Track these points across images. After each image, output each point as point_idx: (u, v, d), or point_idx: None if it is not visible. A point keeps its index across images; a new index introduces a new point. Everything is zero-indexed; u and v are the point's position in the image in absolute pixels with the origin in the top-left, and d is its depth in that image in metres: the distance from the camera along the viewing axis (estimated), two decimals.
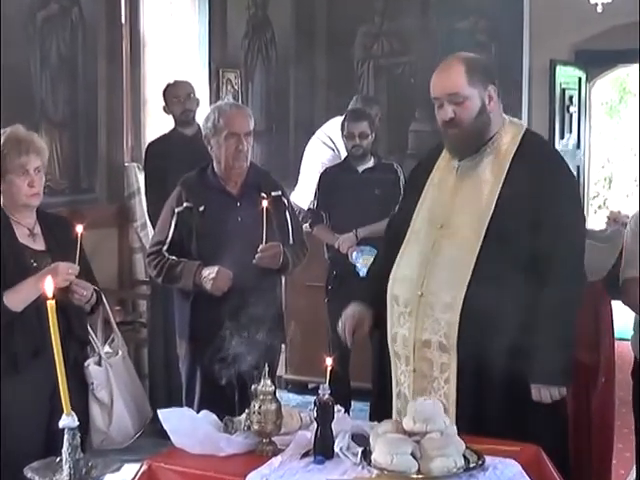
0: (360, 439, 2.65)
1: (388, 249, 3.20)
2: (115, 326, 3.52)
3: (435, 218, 3.05)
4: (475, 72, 3.00)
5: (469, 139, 3.03)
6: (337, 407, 2.70)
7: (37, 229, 3.29)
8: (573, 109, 8.01)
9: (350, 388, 5.21)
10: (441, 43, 7.53)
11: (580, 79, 8.06)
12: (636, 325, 3.47)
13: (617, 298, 3.50)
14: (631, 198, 10.56)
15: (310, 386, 5.95)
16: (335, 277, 5.24)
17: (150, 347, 5.62)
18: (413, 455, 2.49)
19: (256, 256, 3.76)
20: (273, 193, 3.96)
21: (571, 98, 7.98)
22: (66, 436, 1.95)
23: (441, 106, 3.02)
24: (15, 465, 2.34)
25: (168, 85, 5.55)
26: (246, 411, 2.76)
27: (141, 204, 5.89)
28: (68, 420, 1.93)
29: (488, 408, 2.90)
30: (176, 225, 3.87)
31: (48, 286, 1.94)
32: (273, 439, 2.70)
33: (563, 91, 7.83)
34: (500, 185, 2.97)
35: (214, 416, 2.85)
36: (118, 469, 2.10)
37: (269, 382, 2.71)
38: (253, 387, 2.74)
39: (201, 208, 3.86)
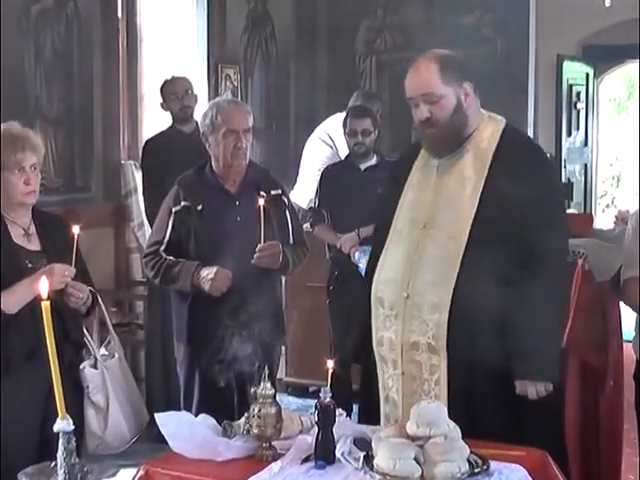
0: (362, 443, 2.65)
1: (377, 251, 3.21)
2: (111, 328, 3.52)
3: (417, 218, 3.07)
4: (449, 70, 3.01)
5: (447, 138, 3.04)
6: (338, 411, 2.70)
7: (32, 229, 3.29)
8: (580, 106, 8.01)
9: (352, 391, 5.21)
10: (446, 38, 7.53)
11: (588, 75, 8.06)
12: (637, 326, 3.48)
13: (622, 299, 3.51)
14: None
15: (311, 389, 5.95)
16: (337, 278, 5.24)
17: (147, 349, 5.62)
18: (416, 460, 2.49)
19: (254, 256, 3.76)
20: (273, 192, 3.96)
21: (578, 94, 7.98)
22: (61, 440, 1.95)
23: (416, 106, 3.04)
24: (9, 470, 2.34)
25: (165, 81, 5.55)
26: (245, 415, 2.76)
27: (138, 203, 5.90)
28: (63, 424, 1.93)
29: (481, 408, 2.90)
30: (174, 225, 3.87)
31: (43, 287, 1.94)
32: (273, 443, 2.70)
33: (570, 87, 7.83)
34: (482, 182, 2.99)
35: (213, 420, 2.85)
36: (114, 474, 2.11)
37: (269, 385, 2.71)
38: (252, 390, 2.74)
39: (199, 207, 3.86)
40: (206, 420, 2.84)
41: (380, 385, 3.12)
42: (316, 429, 2.62)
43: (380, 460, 2.50)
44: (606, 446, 3.58)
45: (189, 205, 3.87)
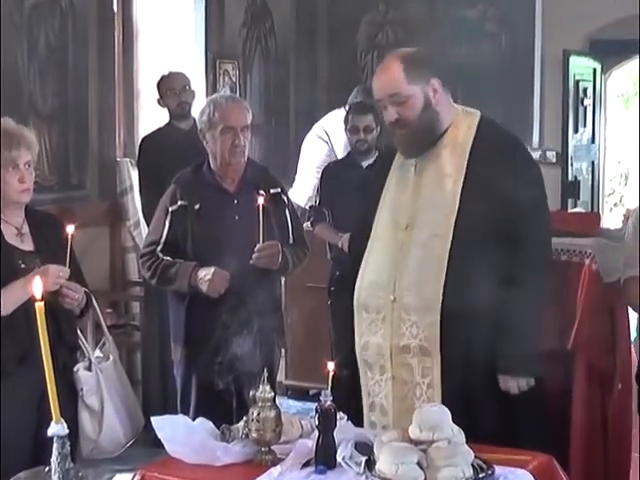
0: (364, 448, 2.65)
1: (359, 257, 3.21)
2: (106, 329, 3.52)
3: (399, 219, 3.08)
4: (414, 68, 3.03)
5: (418, 137, 3.06)
6: (339, 414, 2.70)
7: (25, 228, 3.28)
8: (587, 102, 7.99)
9: None
10: (449, 32, 7.53)
11: (595, 70, 8.05)
12: (638, 326, 3.48)
13: (622, 298, 3.52)
14: None
15: (311, 392, 5.95)
16: (338, 278, 5.24)
17: (143, 351, 5.63)
18: (419, 465, 2.49)
19: (253, 256, 3.76)
20: (272, 190, 3.96)
21: (585, 90, 7.96)
22: (55, 445, 1.95)
23: (385, 108, 3.07)
24: (1, 475, 2.34)
25: (162, 77, 5.55)
26: (244, 418, 2.76)
27: (134, 201, 5.90)
28: (57, 428, 1.93)
29: (475, 409, 2.90)
30: (170, 224, 3.87)
31: (37, 287, 1.93)
32: (272, 448, 2.71)
33: (577, 83, 7.81)
34: (462, 178, 3.01)
35: (210, 424, 2.85)
36: (110, 479, 2.11)
37: (268, 388, 2.71)
38: (251, 393, 2.74)
39: (196, 206, 3.86)
40: (204, 424, 2.84)
41: (364, 392, 3.13)
42: (316, 433, 2.62)
43: (382, 465, 2.50)
44: (614, 450, 3.58)
45: (186, 204, 3.86)
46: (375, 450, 2.58)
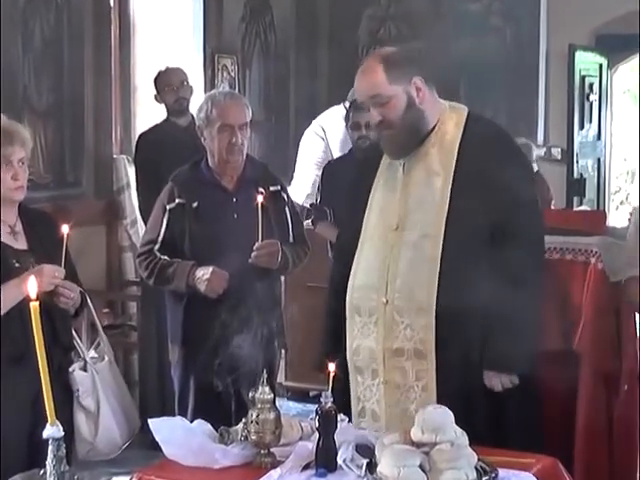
0: (365, 450, 2.65)
1: (342, 259, 3.22)
2: (101, 330, 3.52)
3: (388, 220, 3.08)
4: (395, 67, 3.02)
5: (404, 137, 3.06)
6: (340, 416, 2.70)
7: (19, 227, 3.28)
8: (593, 97, 7.99)
9: None
10: (452, 27, 7.53)
11: (601, 65, 8.05)
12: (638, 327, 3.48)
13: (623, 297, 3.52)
14: None
15: (311, 394, 5.95)
16: None
17: (141, 352, 5.63)
18: (422, 467, 2.49)
19: (252, 255, 3.76)
20: (272, 188, 3.96)
21: (591, 86, 7.96)
22: (50, 447, 1.95)
23: (368, 110, 3.08)
24: None
25: (160, 72, 5.55)
26: (243, 420, 2.76)
27: (131, 199, 5.90)
28: (53, 430, 1.94)
29: (471, 412, 2.89)
30: (168, 223, 3.87)
31: (31, 287, 1.94)
32: (272, 450, 2.71)
33: (583, 78, 7.81)
34: (451, 176, 3.01)
35: (209, 426, 2.85)
36: None
37: (268, 389, 2.71)
38: (250, 395, 2.74)
39: (194, 205, 3.86)
40: (202, 426, 2.84)
41: (353, 398, 3.13)
42: (317, 435, 2.62)
43: (384, 467, 2.50)
44: (620, 452, 3.57)
45: (184, 202, 3.87)
46: (376, 453, 2.58)
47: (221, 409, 3.70)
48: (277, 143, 7.37)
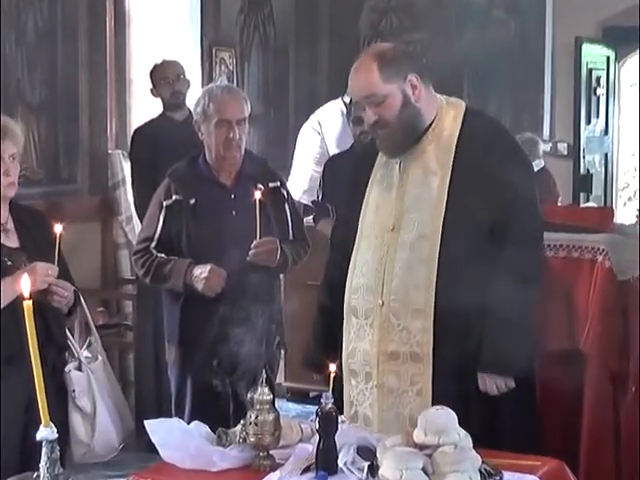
0: (366, 453, 2.65)
1: (338, 256, 3.22)
2: (94, 329, 3.53)
3: (385, 220, 3.08)
4: (389, 66, 3.01)
5: (400, 136, 3.05)
6: (341, 417, 2.70)
7: (10, 224, 3.28)
8: (601, 91, 7.99)
9: None
10: (455, 19, 7.52)
11: (608, 58, 8.04)
12: None
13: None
14: None
15: (312, 394, 5.95)
16: None
17: (137, 352, 5.63)
18: (424, 470, 2.49)
19: (250, 253, 3.76)
20: (271, 184, 3.96)
21: (598, 79, 7.96)
22: (44, 449, 1.95)
23: (363, 109, 3.07)
24: None
25: (155, 65, 5.55)
26: (241, 422, 2.76)
27: (126, 195, 5.90)
28: (46, 432, 1.94)
29: (467, 417, 2.87)
30: (165, 220, 3.87)
31: (25, 285, 1.94)
32: (271, 452, 2.71)
33: (590, 72, 7.81)
34: (449, 175, 3.00)
35: (206, 427, 2.85)
36: None
37: (267, 390, 2.71)
38: (249, 396, 2.74)
39: (192, 201, 3.86)
40: (199, 427, 2.84)
41: (346, 402, 3.13)
42: (317, 437, 2.62)
43: (385, 470, 2.50)
44: (627, 454, 3.58)
45: (181, 199, 3.87)
46: (378, 455, 2.58)
47: (219, 410, 3.71)
48: (276, 138, 7.37)
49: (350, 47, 7.87)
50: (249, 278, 3.78)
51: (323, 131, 6.31)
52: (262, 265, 3.84)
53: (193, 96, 4.60)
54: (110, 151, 6.07)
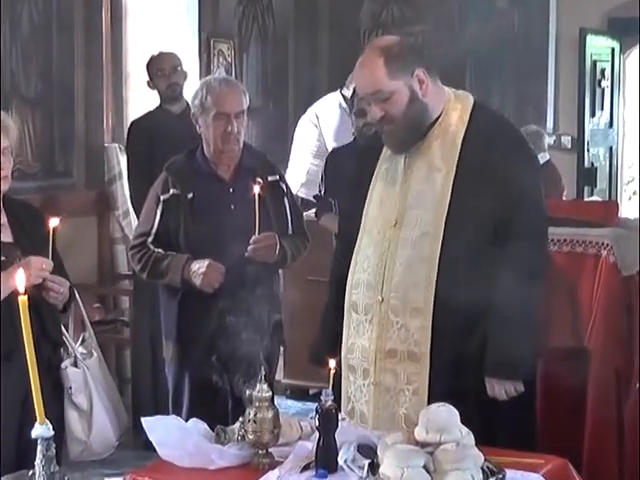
0: (367, 450, 2.65)
1: (344, 250, 3.22)
2: (89, 325, 3.53)
3: (387, 215, 3.07)
4: (396, 61, 2.98)
5: (407, 132, 3.04)
6: (341, 415, 2.70)
7: (3, 219, 3.27)
8: (605, 83, 7.99)
9: None
10: (458, 10, 7.52)
11: (613, 50, 8.04)
12: None
13: None
14: None
15: (311, 392, 5.96)
16: None
17: (133, 349, 5.63)
18: (426, 468, 2.49)
19: (248, 248, 3.76)
20: (270, 178, 3.96)
21: (603, 71, 7.96)
22: (39, 447, 1.95)
23: (369, 104, 3.06)
24: None
25: (152, 57, 5.54)
26: (240, 419, 2.77)
27: (123, 189, 5.90)
28: (42, 429, 1.94)
29: (465, 420, 2.86)
30: (162, 214, 3.87)
31: (20, 280, 1.94)
32: (270, 450, 2.71)
33: (594, 63, 7.81)
34: (453, 171, 2.99)
35: (204, 425, 2.85)
36: None
37: (266, 387, 2.71)
38: (248, 393, 2.74)
39: (190, 195, 3.86)
40: (197, 425, 2.84)
41: (343, 397, 3.13)
42: (317, 435, 2.63)
43: (386, 468, 2.50)
44: (630, 452, 3.58)
45: (179, 193, 3.86)
46: (379, 453, 2.58)
47: (217, 407, 3.71)
48: (275, 131, 7.37)
49: (351, 39, 7.88)
50: (248, 273, 3.78)
51: (320, 124, 6.32)
52: (260, 260, 3.83)
53: (191, 88, 4.59)
54: (106, 144, 6.07)
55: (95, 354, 3.47)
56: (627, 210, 7.90)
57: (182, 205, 3.85)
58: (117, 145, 6.04)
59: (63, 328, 3.39)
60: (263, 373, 2.74)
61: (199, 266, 3.76)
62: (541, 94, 7.60)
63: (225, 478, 2.66)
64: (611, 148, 8.18)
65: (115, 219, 6.01)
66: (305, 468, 2.62)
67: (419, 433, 2.58)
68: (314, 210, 5.48)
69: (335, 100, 6.42)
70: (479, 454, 2.54)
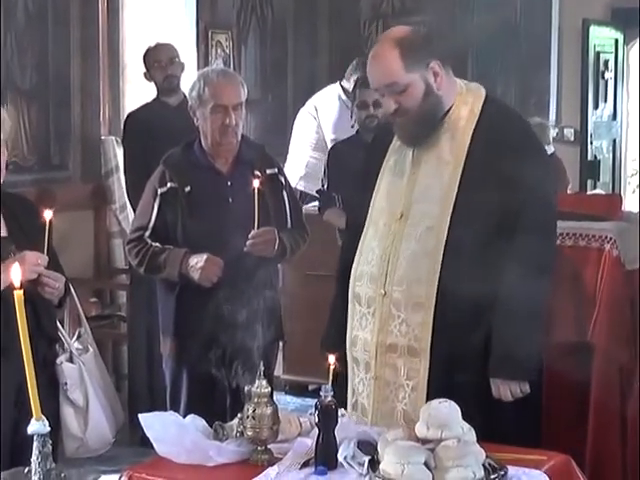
0: (367, 447, 2.66)
1: (352, 241, 3.21)
2: (85, 320, 3.53)
3: (393, 208, 3.06)
4: (412, 53, 2.96)
5: (420, 125, 3.03)
6: (341, 411, 2.70)
7: None
8: (609, 75, 7.98)
9: None
10: (459, 0, 7.50)
11: (617, 41, 8.03)
12: None
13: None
14: None
15: (311, 387, 5.96)
16: None
17: (130, 344, 5.63)
18: (427, 465, 2.49)
19: (247, 243, 3.76)
20: (268, 171, 3.95)
21: (606, 63, 7.95)
22: (35, 443, 1.95)
23: (382, 96, 3.04)
24: None
25: (149, 48, 5.53)
26: (239, 415, 2.77)
27: (120, 183, 5.90)
28: (38, 425, 1.94)
29: (464, 418, 2.87)
30: (159, 208, 3.87)
31: (15, 275, 1.93)
32: (269, 447, 2.71)
33: (597, 55, 7.80)
34: (461, 167, 2.98)
35: (202, 421, 2.85)
36: None
37: (264, 383, 2.71)
38: (246, 389, 2.74)
39: (187, 189, 3.86)
40: (195, 421, 2.84)
41: (349, 390, 3.14)
42: (316, 431, 2.63)
43: (387, 465, 2.50)
44: (633, 449, 3.58)
45: (176, 186, 3.86)
46: (379, 449, 2.58)
47: (215, 403, 3.71)
48: (274, 124, 7.36)
49: (350, 29, 7.87)
50: (246, 267, 3.78)
51: (319, 116, 6.32)
52: (259, 255, 3.83)
53: (189, 80, 4.58)
54: (103, 137, 6.06)
55: (91, 349, 3.47)
56: (630, 203, 7.90)
57: (180, 199, 3.85)
58: (114, 138, 6.04)
59: (58, 323, 3.39)
60: (262, 369, 2.74)
61: (197, 260, 3.76)
62: (544, 86, 7.59)
63: (223, 475, 2.66)
64: (614, 141, 8.17)
65: (112, 213, 6.01)
66: (304, 465, 2.63)
67: (420, 429, 2.58)
68: (317, 205, 5.47)
69: (334, 92, 6.42)
70: (480, 450, 2.54)
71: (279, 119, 7.45)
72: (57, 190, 5.48)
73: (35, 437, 1.95)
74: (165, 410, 3.45)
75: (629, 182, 8.82)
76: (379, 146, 3.21)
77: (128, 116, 5.62)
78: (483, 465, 2.52)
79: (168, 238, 3.86)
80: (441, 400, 2.68)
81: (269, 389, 2.72)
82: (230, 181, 3.91)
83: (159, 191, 3.87)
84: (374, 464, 2.55)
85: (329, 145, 6.01)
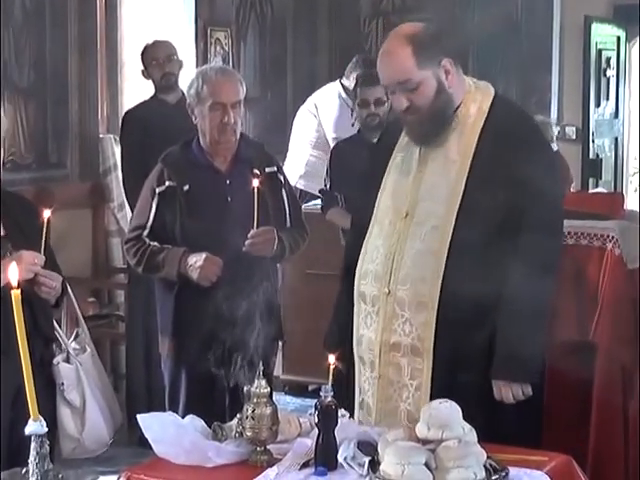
0: (367, 447, 2.66)
1: (357, 240, 3.21)
2: (82, 320, 3.53)
3: (399, 206, 3.06)
4: (424, 50, 2.95)
5: (431, 123, 3.02)
6: (341, 411, 2.70)
7: None
8: (611, 73, 7.98)
9: None
10: None
11: (619, 38, 8.03)
12: None
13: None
14: None
15: (310, 388, 5.96)
16: None
17: (128, 344, 5.63)
18: (427, 466, 2.49)
19: (246, 243, 3.76)
20: (267, 169, 3.95)
21: (608, 60, 7.95)
22: (33, 444, 1.95)
23: (393, 93, 3.02)
24: None
25: (146, 46, 5.53)
26: (238, 416, 2.77)
27: (118, 181, 5.89)
28: (35, 426, 1.94)
29: (467, 419, 2.86)
30: (158, 207, 3.86)
31: (12, 274, 1.93)
32: (268, 447, 2.71)
33: (599, 52, 7.80)
34: (468, 165, 2.97)
35: (201, 422, 2.85)
36: None
37: (264, 383, 2.71)
38: (246, 389, 2.74)
39: (185, 187, 3.85)
40: (194, 422, 2.84)
41: (356, 389, 3.14)
42: (316, 432, 2.63)
43: (387, 466, 2.50)
44: (636, 450, 3.58)
45: (174, 185, 3.86)
46: (379, 450, 2.58)
47: (214, 404, 3.71)
48: (273, 122, 7.36)
49: (350, 27, 7.87)
50: (245, 267, 3.78)
51: (319, 114, 6.32)
52: (258, 255, 3.83)
53: (187, 78, 4.58)
54: (101, 135, 6.07)
55: (88, 349, 3.47)
56: (633, 202, 7.90)
57: (178, 197, 3.85)
58: (112, 136, 6.04)
59: (55, 323, 3.39)
60: (261, 369, 2.74)
61: (196, 259, 3.76)
62: (545, 84, 7.59)
63: (222, 476, 2.66)
64: (616, 139, 8.17)
65: (110, 211, 6.01)
66: (304, 465, 2.62)
67: (421, 430, 2.58)
68: (320, 204, 5.47)
69: (335, 90, 6.42)
70: (481, 451, 2.54)
71: (278, 117, 7.45)
72: (55, 188, 5.48)
73: (32, 438, 1.95)
74: (163, 410, 3.45)
75: (631, 181, 8.82)
76: (385, 144, 3.21)
77: (126, 114, 5.62)
78: (484, 466, 2.52)
79: (166, 237, 3.86)
80: (442, 400, 2.68)
81: (268, 389, 2.72)
82: (229, 180, 3.91)
83: (157, 190, 3.87)
84: (374, 465, 2.55)
85: (331, 143, 6.02)
